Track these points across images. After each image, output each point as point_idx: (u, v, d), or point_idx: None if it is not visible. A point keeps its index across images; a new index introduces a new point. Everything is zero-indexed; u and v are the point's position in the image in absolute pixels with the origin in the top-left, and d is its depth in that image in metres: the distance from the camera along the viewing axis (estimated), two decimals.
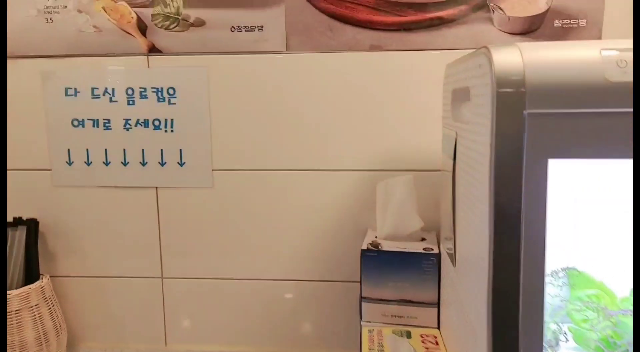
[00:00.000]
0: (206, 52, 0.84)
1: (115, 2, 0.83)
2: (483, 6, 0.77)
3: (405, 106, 0.82)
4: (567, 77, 0.43)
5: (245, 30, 0.82)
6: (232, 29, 0.83)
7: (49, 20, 0.84)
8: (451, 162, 0.61)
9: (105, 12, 0.83)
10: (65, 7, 0.83)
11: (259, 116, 0.85)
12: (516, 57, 0.44)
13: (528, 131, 0.43)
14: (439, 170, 0.81)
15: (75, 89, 0.86)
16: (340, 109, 0.83)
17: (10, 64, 0.86)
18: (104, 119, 0.86)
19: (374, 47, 0.81)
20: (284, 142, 0.85)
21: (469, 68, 0.53)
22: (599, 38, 0.76)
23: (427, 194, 0.82)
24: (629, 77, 0.42)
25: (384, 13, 0.79)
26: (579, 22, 0.76)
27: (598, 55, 0.43)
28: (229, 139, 0.86)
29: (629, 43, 0.43)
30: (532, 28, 0.77)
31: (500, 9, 0.76)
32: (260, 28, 0.82)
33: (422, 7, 0.78)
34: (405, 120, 0.82)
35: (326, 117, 0.84)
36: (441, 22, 0.79)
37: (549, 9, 0.76)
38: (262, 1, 0.81)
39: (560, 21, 0.76)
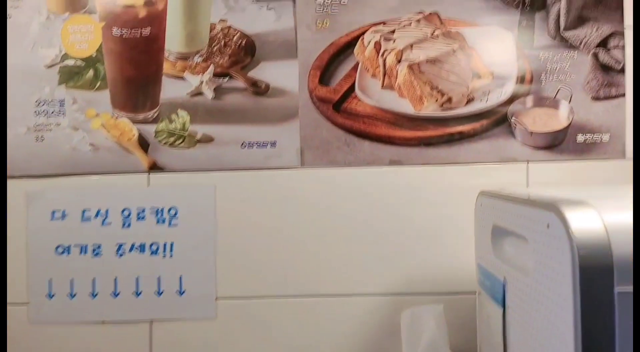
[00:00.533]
0: (213, 169, 0.79)
1: (116, 118, 0.79)
2: (504, 121, 0.77)
3: (428, 223, 0.78)
4: None
5: (257, 147, 0.79)
6: (243, 145, 0.79)
7: (39, 139, 0.78)
8: (499, 308, 0.56)
9: (105, 129, 0.79)
10: (59, 124, 0.78)
11: (271, 237, 0.79)
12: (596, 222, 0.40)
13: (620, 311, 0.39)
14: (465, 293, 0.76)
15: (64, 211, 0.79)
16: (359, 226, 0.79)
17: None
18: (93, 244, 0.78)
19: (393, 162, 0.78)
20: (297, 265, 0.79)
21: (525, 216, 0.49)
22: (623, 152, 0.76)
23: (454, 318, 0.76)
24: None
25: (403, 128, 0.78)
26: (602, 137, 0.76)
27: None
28: (236, 263, 0.79)
29: None
30: (555, 143, 0.76)
31: (522, 123, 0.76)
32: (273, 144, 0.79)
33: (442, 122, 0.77)
34: (427, 238, 0.78)
35: (344, 235, 0.79)
36: (462, 137, 0.77)
37: (570, 123, 0.76)
38: (276, 116, 0.79)
39: (584, 135, 0.76)
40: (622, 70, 0.75)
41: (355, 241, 0.79)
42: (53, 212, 0.79)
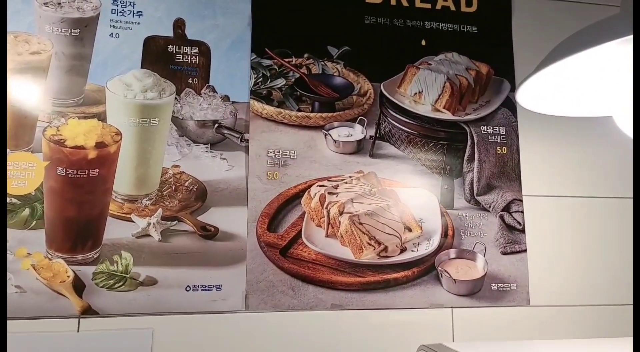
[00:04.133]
0: (153, 312, 0.79)
1: (50, 259, 0.77)
2: (432, 269, 0.89)
3: None
4: None
5: (202, 290, 0.82)
6: (187, 289, 0.81)
7: None
8: None
9: (35, 270, 0.76)
10: None
11: None
12: None
13: None
14: None
15: None
16: None
17: None
18: None
19: (335, 306, 0.85)
20: None
21: None
22: (528, 300, 0.91)
23: None
24: None
25: (345, 274, 0.86)
26: (510, 286, 0.91)
27: None
28: None
29: None
30: (474, 290, 0.90)
31: (447, 272, 0.89)
32: (219, 287, 0.82)
33: (379, 269, 0.88)
34: None
35: None
36: (397, 283, 0.88)
37: (486, 273, 0.90)
38: (223, 260, 0.83)
39: (497, 285, 0.91)
40: (523, 231, 0.94)
41: None
42: None
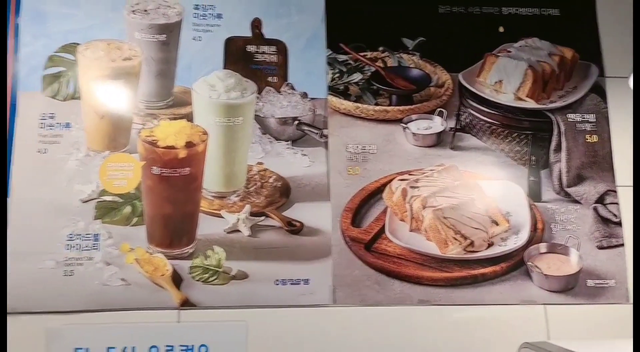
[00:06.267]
0: (245, 305, 0.85)
1: (151, 254, 0.85)
2: (521, 264, 0.90)
3: None
4: None
5: (291, 284, 0.87)
6: (277, 282, 0.87)
7: (68, 273, 0.83)
8: None
9: (138, 264, 0.84)
10: (91, 259, 0.84)
11: None
12: None
13: None
14: None
15: (87, 349, 0.80)
16: None
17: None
18: None
19: (422, 302, 0.88)
20: None
21: None
22: (627, 298, 0.90)
23: None
24: None
25: (431, 269, 0.89)
26: (608, 282, 0.90)
27: None
28: None
29: None
30: (568, 287, 0.90)
31: (538, 268, 0.89)
32: (306, 281, 0.87)
33: (466, 263, 0.89)
34: None
35: None
36: (485, 279, 0.89)
37: (581, 269, 0.90)
38: (309, 255, 0.88)
39: (593, 281, 0.90)
40: (619, 223, 0.92)
41: None
42: (76, 350, 0.80)
